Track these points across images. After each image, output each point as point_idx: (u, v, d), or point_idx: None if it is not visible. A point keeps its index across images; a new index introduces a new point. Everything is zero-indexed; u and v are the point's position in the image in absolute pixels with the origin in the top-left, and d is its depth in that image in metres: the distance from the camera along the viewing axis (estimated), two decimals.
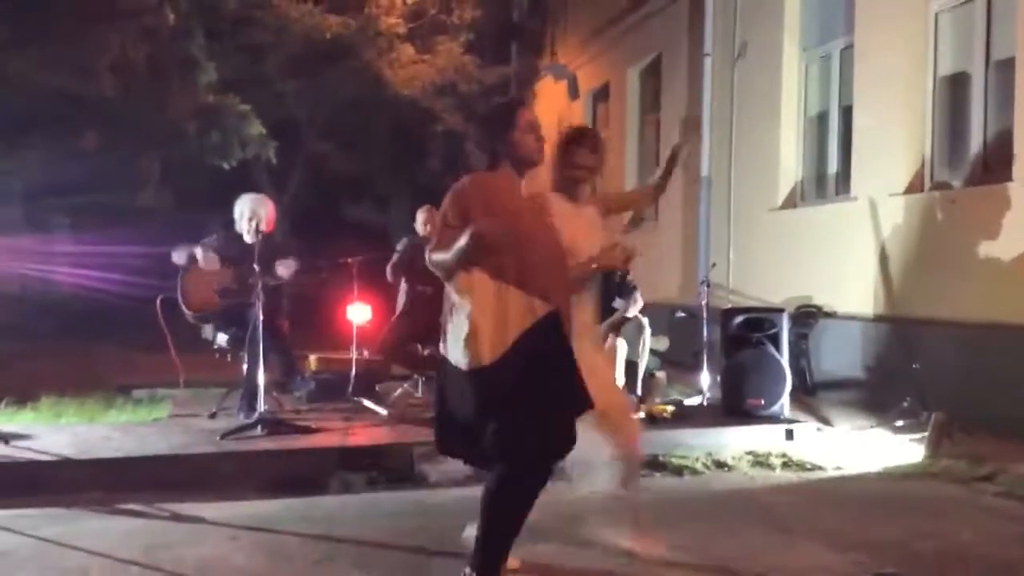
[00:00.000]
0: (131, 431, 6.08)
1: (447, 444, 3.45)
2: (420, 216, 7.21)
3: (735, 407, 6.60)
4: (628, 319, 6.57)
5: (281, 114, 14.52)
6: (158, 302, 6.59)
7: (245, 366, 6.23)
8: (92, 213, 13.79)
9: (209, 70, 12.31)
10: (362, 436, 5.95)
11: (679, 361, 8.06)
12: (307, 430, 5.95)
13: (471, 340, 3.19)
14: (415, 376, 7.26)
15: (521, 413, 3.17)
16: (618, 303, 6.53)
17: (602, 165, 4.10)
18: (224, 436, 5.71)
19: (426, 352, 6.78)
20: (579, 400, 3.30)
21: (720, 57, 9.73)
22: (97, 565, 3.83)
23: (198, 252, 6.31)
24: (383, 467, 5.35)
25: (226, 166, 13.26)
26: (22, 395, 6.80)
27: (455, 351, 3.26)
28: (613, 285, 6.62)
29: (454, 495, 4.83)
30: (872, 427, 6.49)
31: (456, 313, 3.27)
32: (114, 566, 3.82)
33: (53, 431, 5.95)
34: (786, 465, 5.73)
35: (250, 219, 6.26)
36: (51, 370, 8.47)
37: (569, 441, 3.27)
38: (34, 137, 11.60)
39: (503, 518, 3.26)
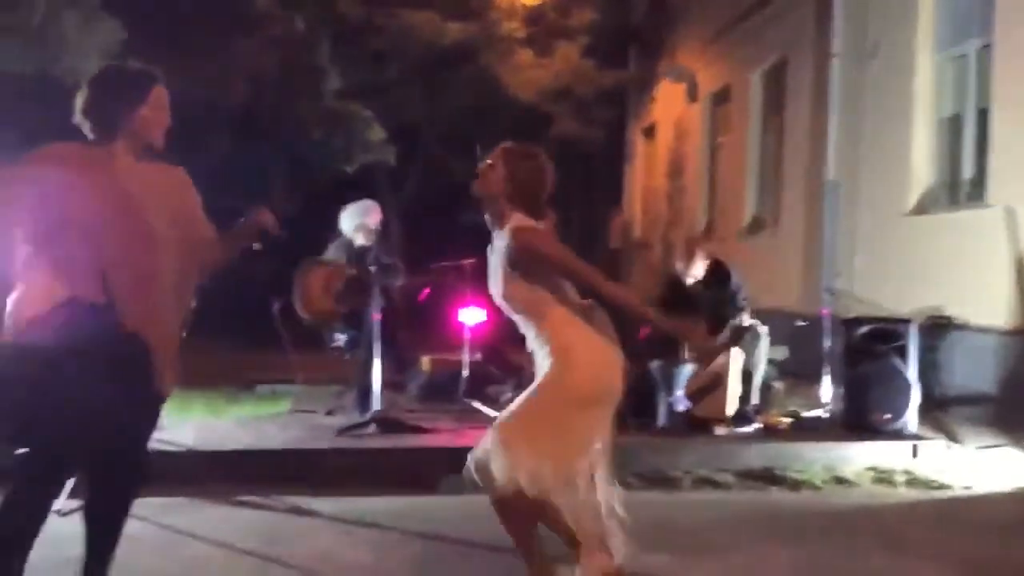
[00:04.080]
0: (251, 425, 6.29)
1: None
2: None
3: (857, 421, 6.34)
4: (745, 328, 6.38)
5: (401, 118, 14.80)
6: (276, 309, 6.72)
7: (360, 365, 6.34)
8: (223, 217, 14.39)
9: (334, 77, 12.68)
10: (472, 438, 5.94)
11: (799, 372, 7.81)
12: (419, 430, 6.01)
13: None
14: (522, 379, 7.27)
15: None
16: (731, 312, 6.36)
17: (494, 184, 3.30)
18: (340, 433, 5.84)
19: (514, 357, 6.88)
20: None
21: (847, 58, 9.40)
22: (216, 555, 3.97)
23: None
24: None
25: (348, 170, 13.63)
26: None
27: None
28: (716, 295, 6.44)
29: None
30: (1004, 445, 6.14)
31: None
32: (231, 556, 3.95)
33: (179, 423, 6.21)
34: (911, 483, 5.47)
35: (358, 229, 6.48)
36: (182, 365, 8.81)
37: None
38: (171, 144, 12.19)
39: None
